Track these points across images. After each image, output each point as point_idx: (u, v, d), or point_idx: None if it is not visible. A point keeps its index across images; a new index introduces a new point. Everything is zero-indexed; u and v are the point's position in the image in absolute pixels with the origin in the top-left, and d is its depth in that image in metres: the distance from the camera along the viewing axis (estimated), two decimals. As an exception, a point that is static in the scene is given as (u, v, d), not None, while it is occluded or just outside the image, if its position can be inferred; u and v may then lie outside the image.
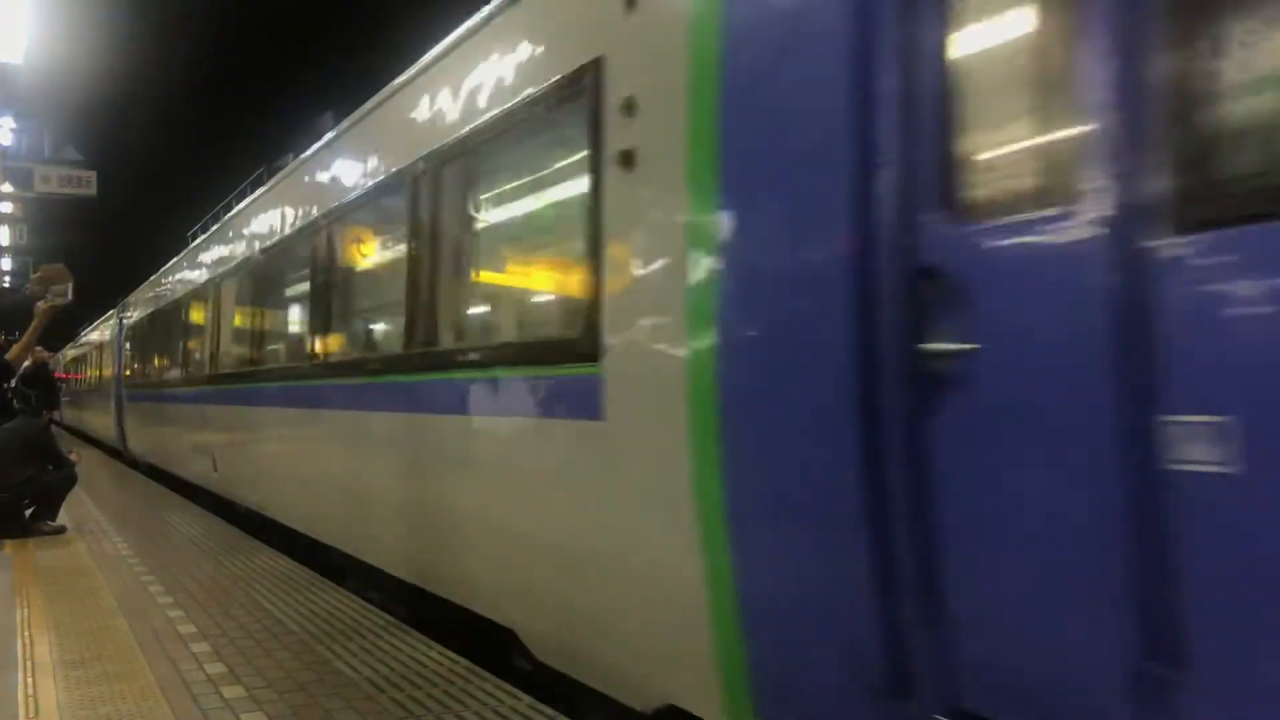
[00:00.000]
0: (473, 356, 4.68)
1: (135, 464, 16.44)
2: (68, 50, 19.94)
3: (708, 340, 2.99)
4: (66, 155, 21.01)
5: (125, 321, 19.24)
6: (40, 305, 7.47)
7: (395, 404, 5.45)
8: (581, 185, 3.77)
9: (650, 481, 3.28)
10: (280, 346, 8.76)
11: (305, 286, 7.42)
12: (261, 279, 9.08)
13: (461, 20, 5.19)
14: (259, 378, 8.62)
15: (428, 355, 5.04)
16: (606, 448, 3.51)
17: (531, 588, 4.20)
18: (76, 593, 6.08)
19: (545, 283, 4.73)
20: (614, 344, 3.46)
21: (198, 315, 12.08)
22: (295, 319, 8.21)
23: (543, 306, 4.74)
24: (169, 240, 20.71)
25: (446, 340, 5.05)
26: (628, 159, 3.41)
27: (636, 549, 3.39)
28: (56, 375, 24.47)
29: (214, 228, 12.20)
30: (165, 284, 15.36)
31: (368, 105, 6.44)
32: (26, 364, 15.86)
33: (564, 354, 3.79)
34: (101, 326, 24.40)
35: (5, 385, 8.74)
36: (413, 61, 5.90)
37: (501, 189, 5.02)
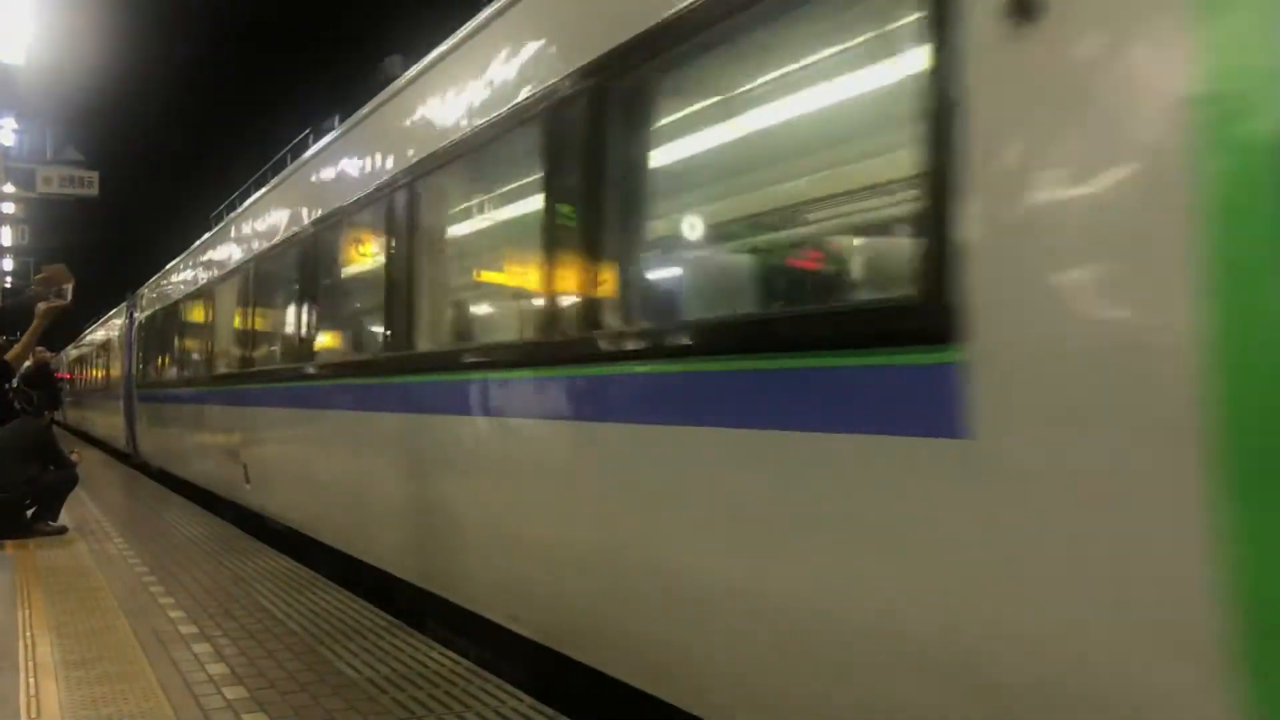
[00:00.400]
0: (687, 340, 3.30)
1: (146, 469, 15.44)
2: (69, 51, 19.98)
3: None
4: (68, 156, 21.05)
5: (137, 315, 17.40)
6: (40, 306, 7.47)
7: (537, 408, 4.12)
8: (909, 63, 2.55)
9: (1093, 546, 2.00)
10: (341, 337, 7.34)
11: (389, 259, 5.84)
12: (319, 256, 7.38)
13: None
14: (312, 375, 7.22)
15: (608, 337, 3.61)
16: (974, 482, 2.24)
17: (811, 686, 2.81)
18: (78, 593, 6.08)
19: (824, 222, 3.22)
20: (994, 313, 2.21)
21: (227, 305, 10.44)
22: (369, 302, 6.47)
23: (827, 259, 3.22)
24: (171, 239, 20.69)
25: (640, 315, 3.60)
26: (1024, 8, 2.16)
27: (1048, 650, 2.12)
28: (58, 375, 24.44)
29: (249, 204, 10.28)
30: (185, 272, 13.50)
31: (480, 20, 4.94)
32: (28, 364, 15.89)
33: (877, 332, 2.50)
34: (109, 322, 22.86)
35: (6, 385, 8.74)
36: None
37: (733, 92, 3.54)
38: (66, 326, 30.99)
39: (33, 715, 3.83)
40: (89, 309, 27.88)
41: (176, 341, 13.53)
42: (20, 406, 9.50)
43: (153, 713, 3.85)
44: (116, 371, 19.65)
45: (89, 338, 27.61)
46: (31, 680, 4.26)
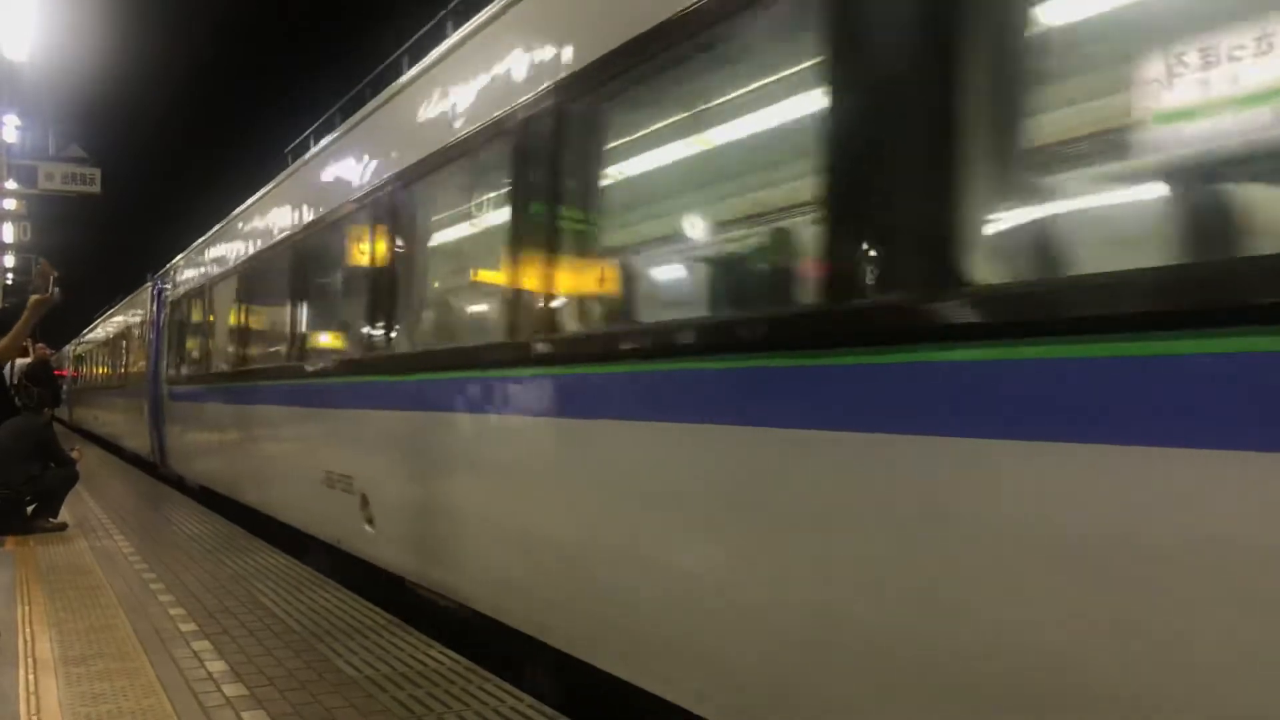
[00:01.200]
0: None
1: (181, 485, 12.60)
2: (72, 48, 20.02)
3: None
4: (71, 152, 21.06)
5: (168, 297, 14.18)
6: (32, 298, 7.43)
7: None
8: None
9: None
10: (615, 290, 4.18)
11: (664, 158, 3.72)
12: (516, 167, 4.43)
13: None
14: (552, 354, 4.09)
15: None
16: None
17: None
18: (78, 590, 6.09)
19: None
20: None
21: (332, 263, 7.38)
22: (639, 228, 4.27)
23: None
24: (172, 235, 20.67)
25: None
26: None
27: None
28: (58, 373, 24.31)
29: (374, 109, 6.67)
30: (247, 231, 10.10)
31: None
32: (29, 360, 15.91)
33: None
34: (126, 310, 20.16)
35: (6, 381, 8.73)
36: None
37: None
38: (65, 321, 31.00)
39: (32, 712, 3.83)
40: (91, 305, 27.91)
41: (234, 324, 10.22)
42: (21, 402, 9.52)
43: (152, 710, 3.86)
44: (139, 366, 16.82)
45: (99, 329, 25.30)
46: (31, 676, 4.27)
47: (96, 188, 20.57)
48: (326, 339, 7.59)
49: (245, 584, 6.28)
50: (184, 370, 12.59)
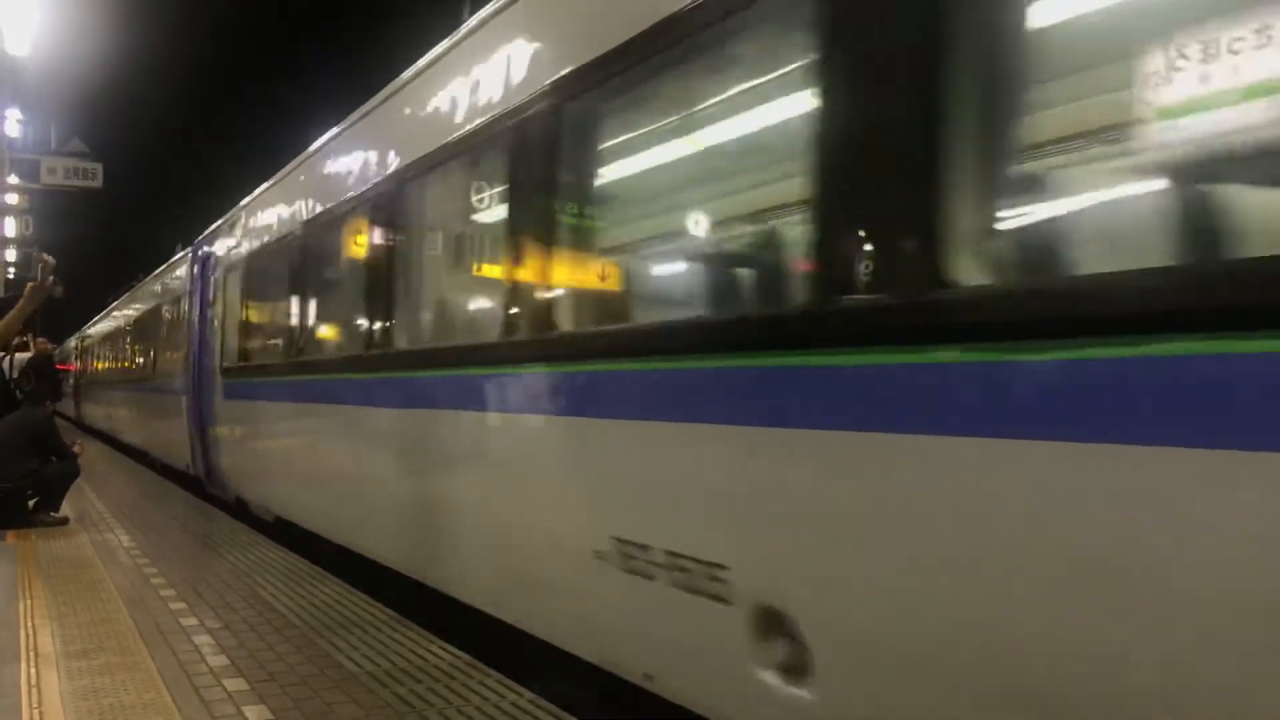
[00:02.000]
0: None
1: (243, 509, 9.43)
2: (74, 43, 20.01)
3: None
4: (73, 147, 21.07)
5: (219, 263, 10.85)
6: (29, 286, 7.42)
7: None
8: None
9: None
10: None
11: None
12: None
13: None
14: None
15: None
16: None
17: None
18: (79, 584, 6.10)
19: None
20: None
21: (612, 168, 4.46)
22: None
23: None
24: (172, 230, 20.60)
25: None
26: None
27: None
28: (59, 367, 24.23)
29: None
30: (384, 139, 6.32)
31: None
32: (30, 355, 15.92)
33: None
34: (151, 289, 17.21)
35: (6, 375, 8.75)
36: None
37: None
38: (65, 317, 30.99)
39: (33, 705, 3.84)
40: (91, 300, 27.91)
41: (366, 280, 6.35)
42: (21, 395, 9.56)
43: (153, 704, 3.86)
44: (170, 355, 13.75)
45: (113, 316, 22.90)
46: (33, 670, 4.27)
47: (98, 182, 20.56)
48: (653, 280, 4.46)
49: (246, 578, 6.29)
50: (256, 358, 9.18)
